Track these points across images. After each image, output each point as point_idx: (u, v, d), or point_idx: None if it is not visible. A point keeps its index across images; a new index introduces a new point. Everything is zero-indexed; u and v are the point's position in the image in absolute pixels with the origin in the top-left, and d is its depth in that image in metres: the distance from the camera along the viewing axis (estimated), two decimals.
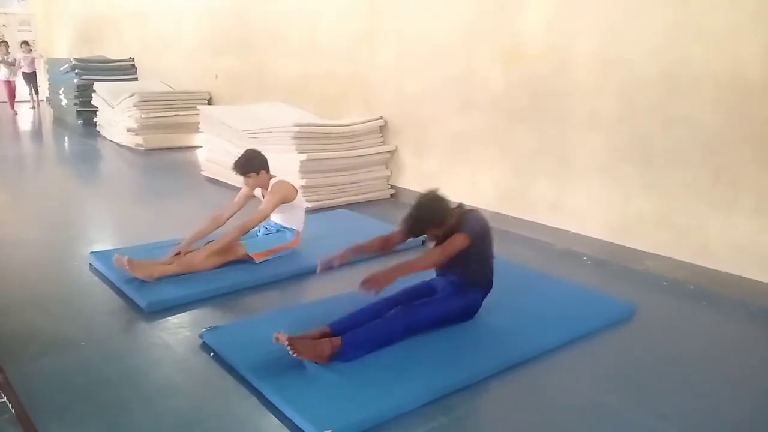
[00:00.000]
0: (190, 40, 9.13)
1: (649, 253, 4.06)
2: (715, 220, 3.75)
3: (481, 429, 2.36)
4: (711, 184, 3.74)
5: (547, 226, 4.62)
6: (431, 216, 2.89)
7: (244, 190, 4.06)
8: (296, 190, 4.00)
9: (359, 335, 2.72)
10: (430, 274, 3.19)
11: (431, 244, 3.01)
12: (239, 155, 4.02)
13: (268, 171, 4.00)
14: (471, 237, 2.87)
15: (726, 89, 3.59)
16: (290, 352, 2.54)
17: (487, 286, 3.09)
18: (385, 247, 3.19)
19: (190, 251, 3.72)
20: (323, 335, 2.73)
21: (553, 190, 4.56)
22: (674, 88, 3.80)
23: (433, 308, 2.94)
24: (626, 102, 4.05)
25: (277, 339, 2.58)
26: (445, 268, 3.04)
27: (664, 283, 3.86)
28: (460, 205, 3.05)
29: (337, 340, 2.67)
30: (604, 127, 4.20)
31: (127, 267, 3.42)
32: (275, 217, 4.04)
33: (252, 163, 3.93)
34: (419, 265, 2.90)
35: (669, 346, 3.06)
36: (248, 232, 3.85)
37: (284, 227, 4.05)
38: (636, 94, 3.99)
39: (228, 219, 3.94)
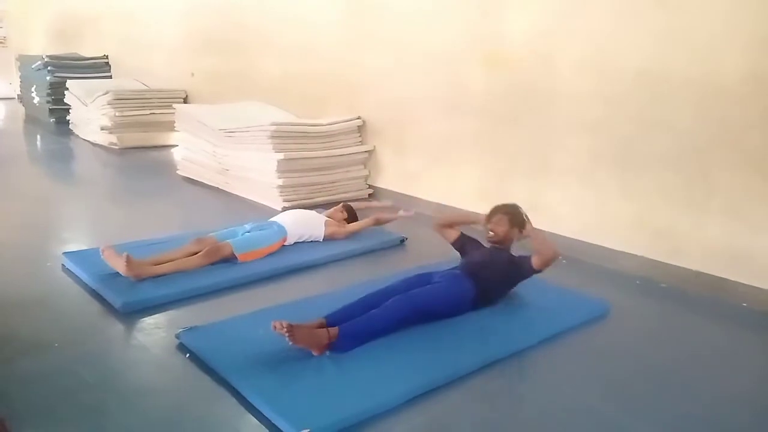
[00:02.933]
0: (166, 39, 9.02)
1: (623, 252, 4.13)
2: (687, 221, 3.83)
3: (458, 427, 2.38)
4: (685, 187, 3.81)
5: None
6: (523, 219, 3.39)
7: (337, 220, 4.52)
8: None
9: (356, 326, 2.76)
10: (429, 267, 3.40)
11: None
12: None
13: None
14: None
15: (703, 95, 3.66)
16: (288, 340, 2.55)
17: (484, 297, 3.23)
18: (454, 224, 3.71)
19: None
20: (320, 326, 2.75)
21: (532, 192, 4.61)
22: (654, 93, 3.87)
23: (429, 297, 2.99)
24: (606, 106, 4.12)
25: (275, 327, 2.57)
26: (477, 268, 3.27)
27: (638, 282, 3.93)
28: None
29: (334, 330, 2.69)
30: (584, 130, 4.26)
31: (124, 263, 3.37)
32: (287, 217, 4.28)
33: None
34: (546, 242, 3.34)
35: (642, 344, 3.12)
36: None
37: (277, 224, 4.10)
38: (616, 98, 4.06)
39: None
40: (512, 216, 3.38)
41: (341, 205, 4.67)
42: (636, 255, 4.07)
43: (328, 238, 4.30)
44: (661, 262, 3.96)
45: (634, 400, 2.57)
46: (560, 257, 3.33)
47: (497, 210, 3.42)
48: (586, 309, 3.41)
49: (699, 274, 3.79)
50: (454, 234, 3.63)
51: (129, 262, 3.39)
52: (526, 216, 3.41)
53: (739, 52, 3.51)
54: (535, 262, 3.24)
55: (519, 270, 3.32)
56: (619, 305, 3.50)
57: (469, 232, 3.70)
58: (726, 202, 3.67)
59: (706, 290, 3.74)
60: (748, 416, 2.52)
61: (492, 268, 3.27)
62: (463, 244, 3.61)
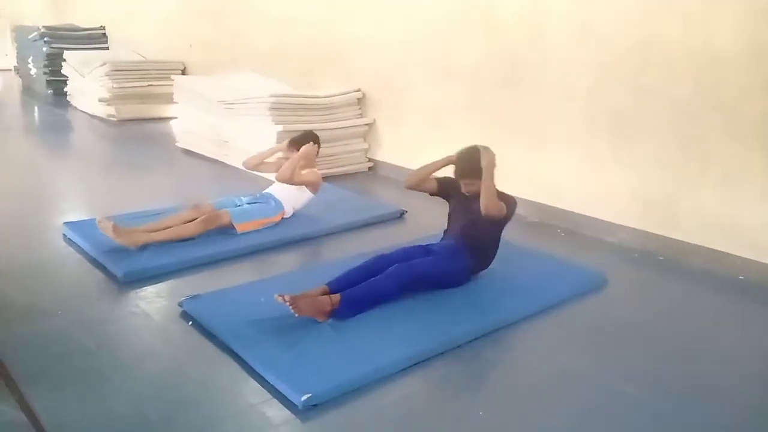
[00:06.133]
0: (163, 9, 8.92)
1: (620, 225, 4.16)
2: (683, 193, 3.84)
3: (457, 393, 2.43)
4: (681, 157, 3.82)
5: (521, 198, 4.66)
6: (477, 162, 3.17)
7: (281, 159, 4.23)
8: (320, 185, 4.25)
9: (357, 292, 2.81)
10: (428, 239, 3.40)
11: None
12: (300, 133, 4.29)
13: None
14: (512, 208, 3.19)
15: (697, 61, 3.65)
16: (291, 310, 2.60)
17: (482, 261, 3.25)
18: (426, 176, 3.42)
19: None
20: (323, 293, 2.80)
21: (528, 163, 4.62)
22: (647, 60, 3.86)
23: (429, 267, 3.03)
24: (600, 74, 4.11)
25: (278, 299, 2.61)
26: (466, 230, 3.21)
27: (635, 255, 3.96)
28: None
29: (336, 297, 2.75)
30: (578, 99, 4.26)
31: (112, 232, 3.40)
32: (277, 188, 4.16)
33: (310, 141, 4.18)
34: (492, 188, 3.11)
35: (638, 315, 3.16)
36: (281, 173, 4.04)
37: (274, 198, 4.09)
38: (610, 65, 4.05)
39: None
40: (480, 172, 3.15)
41: (286, 147, 4.26)
42: (633, 228, 4.09)
43: (304, 186, 4.17)
44: (658, 234, 3.98)
45: (629, 369, 2.62)
46: (503, 214, 3.16)
47: (465, 166, 3.24)
48: (583, 280, 3.44)
49: (695, 246, 3.82)
50: (430, 185, 3.43)
51: (116, 229, 3.41)
52: (489, 162, 3.16)
53: (735, 21, 3.49)
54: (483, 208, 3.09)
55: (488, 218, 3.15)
56: (616, 277, 3.53)
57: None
58: (722, 174, 3.68)
59: (702, 263, 3.77)
60: (742, 383, 2.57)
61: (477, 223, 3.16)
62: (444, 189, 3.43)
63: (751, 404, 2.44)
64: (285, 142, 4.28)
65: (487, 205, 3.05)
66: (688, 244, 3.85)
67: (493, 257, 3.34)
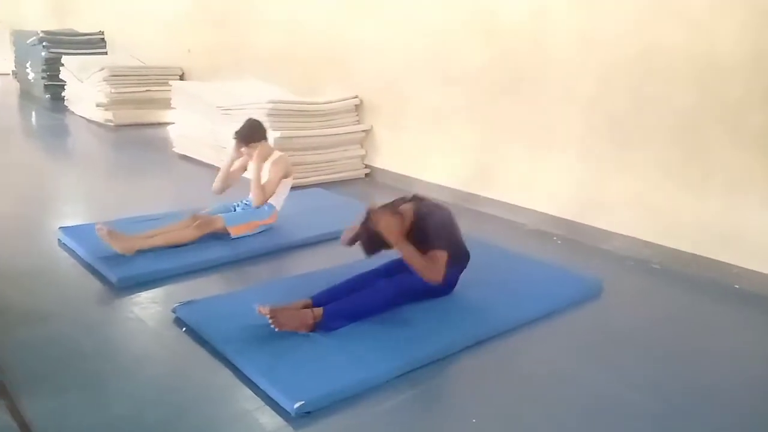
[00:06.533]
0: (163, 15, 8.93)
1: (616, 233, 4.15)
2: (682, 201, 3.84)
3: (450, 401, 2.41)
4: (682, 165, 3.82)
5: (518, 206, 4.68)
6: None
7: (243, 160, 4.07)
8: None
9: (341, 306, 2.78)
10: None
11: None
12: (241, 125, 4.01)
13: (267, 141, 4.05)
14: (448, 248, 2.90)
15: (700, 69, 3.65)
16: (271, 325, 2.57)
17: (463, 259, 3.14)
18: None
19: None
20: (305, 307, 2.78)
21: (527, 170, 4.62)
22: (650, 68, 3.86)
23: (414, 280, 2.92)
24: (601, 81, 4.11)
25: (260, 311, 2.60)
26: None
27: (631, 263, 3.96)
28: (414, 197, 3.12)
29: (318, 311, 2.72)
30: (579, 106, 4.26)
31: (107, 238, 3.39)
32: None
33: (258, 132, 3.97)
34: (418, 263, 2.82)
35: (634, 321, 3.16)
36: (255, 198, 3.91)
37: (268, 204, 4.05)
38: (612, 72, 4.05)
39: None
40: (388, 222, 2.87)
41: (235, 148, 4.06)
42: (629, 236, 4.09)
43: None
44: (654, 243, 3.98)
45: (628, 375, 2.61)
46: (442, 274, 2.89)
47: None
48: (578, 288, 3.43)
49: (692, 255, 3.81)
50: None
51: (111, 234, 3.40)
52: (386, 229, 2.83)
53: (737, 28, 3.49)
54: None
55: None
56: (612, 284, 3.53)
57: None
58: (721, 183, 3.67)
59: (699, 271, 3.77)
60: (740, 388, 2.56)
61: (452, 233, 3.04)
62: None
63: (749, 409, 2.44)
64: (233, 147, 4.04)
65: (423, 276, 2.83)
66: (685, 252, 3.85)
67: (464, 248, 3.13)
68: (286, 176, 4.03)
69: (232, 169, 4.12)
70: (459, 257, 3.10)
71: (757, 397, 2.55)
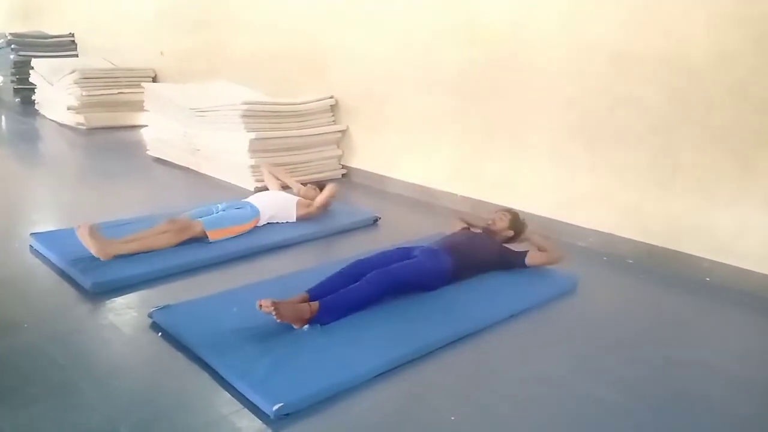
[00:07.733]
0: (135, 17, 8.83)
1: (592, 230, 4.21)
2: (655, 197, 3.91)
3: (432, 399, 2.43)
4: (651, 164, 3.89)
5: (495, 204, 4.70)
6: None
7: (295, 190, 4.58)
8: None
9: (337, 299, 2.82)
10: (407, 242, 3.57)
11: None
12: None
13: None
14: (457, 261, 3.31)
15: (669, 71, 3.73)
16: (274, 316, 2.59)
17: (461, 269, 3.33)
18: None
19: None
20: (302, 301, 2.81)
21: (503, 170, 4.66)
22: (622, 69, 3.93)
23: (408, 270, 3.07)
24: (576, 83, 4.17)
25: (261, 306, 2.60)
26: (460, 248, 3.40)
27: (605, 258, 4.02)
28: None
29: (315, 305, 2.75)
30: (554, 108, 4.32)
31: (87, 238, 3.33)
32: (263, 196, 4.29)
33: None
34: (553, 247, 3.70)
35: (609, 317, 3.21)
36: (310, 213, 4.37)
37: (251, 204, 4.09)
38: (586, 75, 4.11)
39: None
40: (514, 218, 3.73)
41: (312, 183, 4.65)
42: (605, 232, 4.15)
43: (302, 219, 4.29)
44: (628, 239, 4.05)
45: (603, 372, 2.65)
46: (561, 261, 3.59)
47: (505, 209, 3.84)
48: (554, 285, 3.48)
49: (664, 250, 3.89)
50: (459, 225, 3.89)
51: (92, 234, 3.34)
52: (525, 223, 3.78)
53: (701, 31, 3.57)
54: (530, 259, 3.53)
55: (507, 260, 3.55)
56: (587, 281, 3.58)
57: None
58: (691, 179, 3.75)
59: (671, 265, 3.85)
60: (711, 384, 2.62)
61: (474, 248, 3.44)
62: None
63: (721, 401, 2.49)
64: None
65: (546, 253, 3.62)
66: (657, 247, 3.92)
67: (471, 276, 3.39)
68: (306, 215, 4.32)
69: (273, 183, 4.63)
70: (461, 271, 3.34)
71: (730, 389, 2.60)
